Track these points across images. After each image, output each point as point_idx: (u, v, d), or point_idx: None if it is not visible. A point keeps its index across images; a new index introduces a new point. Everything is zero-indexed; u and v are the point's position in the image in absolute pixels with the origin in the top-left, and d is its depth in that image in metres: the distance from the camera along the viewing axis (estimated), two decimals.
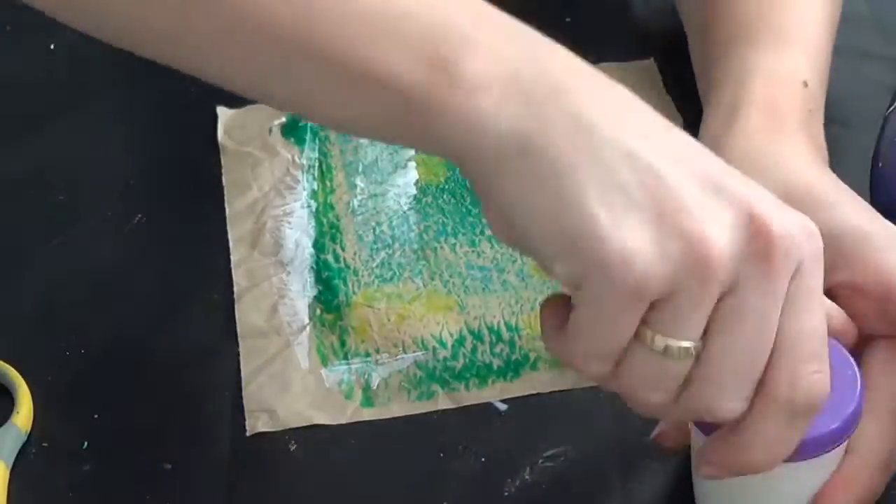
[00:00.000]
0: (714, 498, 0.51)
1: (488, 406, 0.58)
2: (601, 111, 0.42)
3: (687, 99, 0.66)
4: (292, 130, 0.70)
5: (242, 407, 0.58)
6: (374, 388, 0.59)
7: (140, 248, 0.65)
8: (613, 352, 0.43)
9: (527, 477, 0.55)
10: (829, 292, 0.48)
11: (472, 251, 0.64)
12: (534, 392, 0.58)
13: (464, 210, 0.66)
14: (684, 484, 0.55)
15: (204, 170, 0.68)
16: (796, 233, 0.42)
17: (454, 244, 0.64)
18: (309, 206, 0.66)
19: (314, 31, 0.41)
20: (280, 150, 0.69)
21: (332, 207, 0.66)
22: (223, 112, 0.70)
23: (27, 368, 0.60)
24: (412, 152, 0.69)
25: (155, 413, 0.58)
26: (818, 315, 0.43)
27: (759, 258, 0.41)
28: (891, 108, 0.61)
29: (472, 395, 0.58)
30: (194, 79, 0.45)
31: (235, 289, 0.62)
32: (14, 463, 0.56)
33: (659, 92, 0.71)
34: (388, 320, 0.61)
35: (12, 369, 0.59)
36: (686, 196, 0.41)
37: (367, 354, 0.60)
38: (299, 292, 0.62)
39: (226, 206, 0.66)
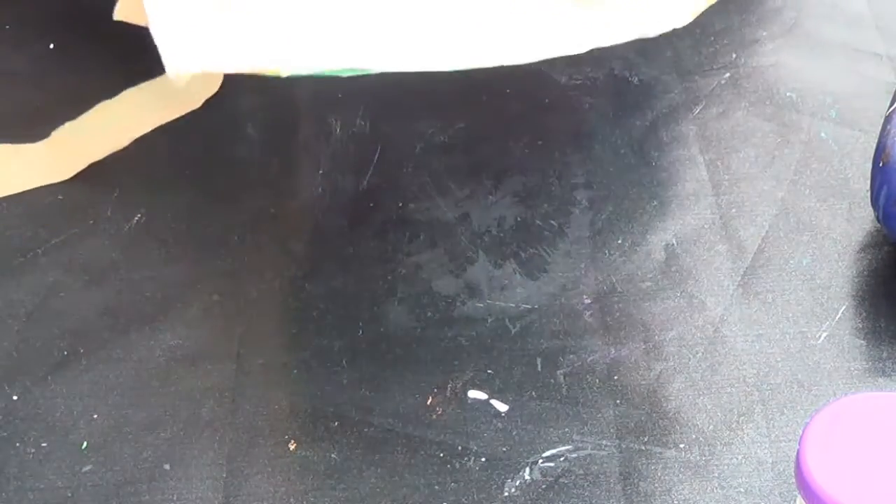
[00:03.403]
0: None
1: (488, 406, 0.58)
2: None
3: None
4: None
5: (242, 407, 0.58)
6: None
7: (140, 248, 0.65)
8: None
9: (527, 477, 0.55)
10: None
11: None
12: None
13: None
14: (684, 484, 0.55)
15: (204, 169, 0.69)
16: None
17: None
18: None
19: None
20: None
21: None
22: None
23: (27, 368, 0.60)
24: None
25: (154, 413, 0.58)
26: None
27: None
28: (891, 108, 0.61)
29: None
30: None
31: None
32: (13, 462, 0.57)
33: None
34: None
35: None
36: None
37: None
38: None
39: None
